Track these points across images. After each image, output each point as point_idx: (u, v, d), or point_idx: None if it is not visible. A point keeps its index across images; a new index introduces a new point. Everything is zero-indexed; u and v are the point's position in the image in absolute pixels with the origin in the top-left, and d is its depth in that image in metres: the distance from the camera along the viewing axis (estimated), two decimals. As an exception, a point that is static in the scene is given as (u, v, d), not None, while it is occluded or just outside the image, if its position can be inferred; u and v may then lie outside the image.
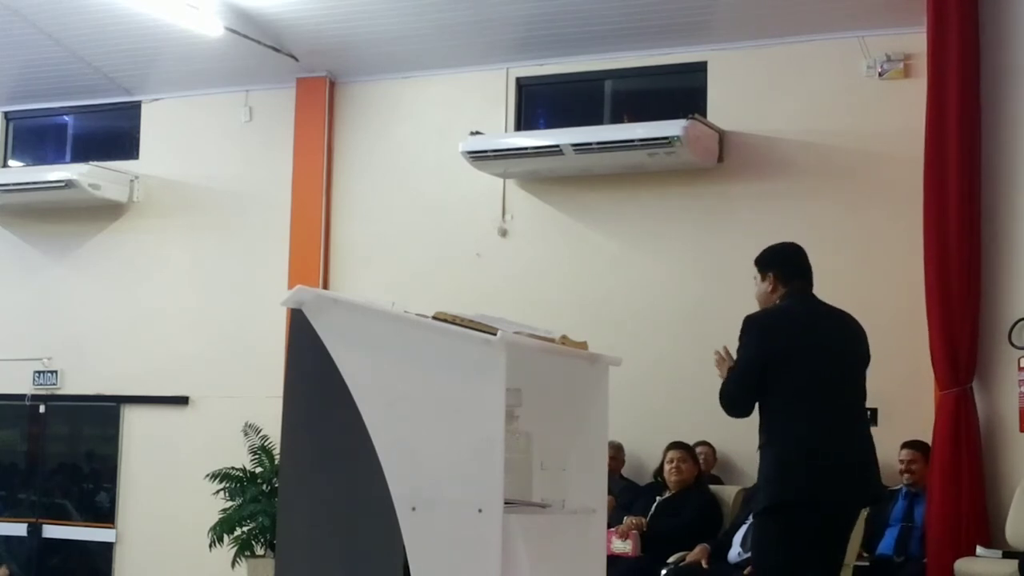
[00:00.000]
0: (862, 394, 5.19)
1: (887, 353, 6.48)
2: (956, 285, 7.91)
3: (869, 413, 5.45)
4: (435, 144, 10.00)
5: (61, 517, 11.39)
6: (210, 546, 9.31)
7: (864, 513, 6.88)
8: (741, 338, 5.13)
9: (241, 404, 10.08)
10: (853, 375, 5.17)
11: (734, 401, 5.10)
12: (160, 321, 10.86)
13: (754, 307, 8.65)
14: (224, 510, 9.38)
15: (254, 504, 9.22)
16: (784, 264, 5.30)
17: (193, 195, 10.94)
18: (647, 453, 8.88)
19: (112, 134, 11.67)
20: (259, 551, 9.24)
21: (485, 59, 9.86)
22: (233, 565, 9.32)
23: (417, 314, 4.02)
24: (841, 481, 4.99)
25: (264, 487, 9.32)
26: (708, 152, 9.07)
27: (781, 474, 4.98)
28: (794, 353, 5.04)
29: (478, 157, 9.42)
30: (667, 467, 8.18)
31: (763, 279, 5.31)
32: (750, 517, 7.41)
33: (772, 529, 5.00)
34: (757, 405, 5.11)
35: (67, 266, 11.38)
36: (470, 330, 3.87)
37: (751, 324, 5.17)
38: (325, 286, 10.13)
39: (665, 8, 9.08)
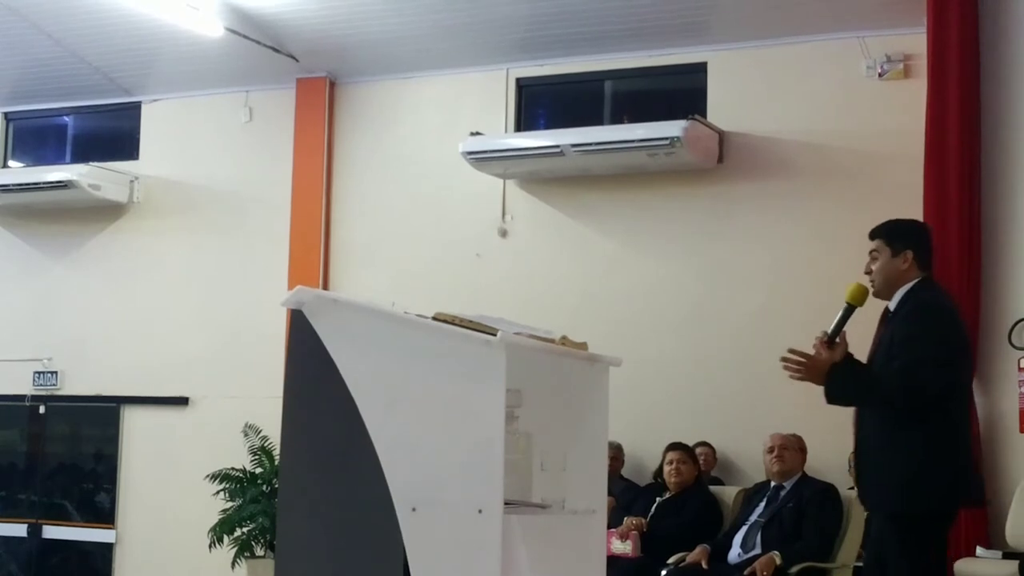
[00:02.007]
0: None
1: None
2: (956, 285, 7.91)
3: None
4: (435, 144, 10.00)
5: (61, 517, 11.39)
6: (210, 547, 9.31)
7: (865, 513, 6.89)
8: (932, 319, 4.77)
9: (241, 404, 10.08)
10: None
11: (928, 384, 4.63)
12: (160, 321, 10.86)
13: (754, 307, 8.72)
14: (224, 511, 9.38)
15: (254, 505, 9.22)
16: (924, 245, 4.96)
17: (193, 195, 10.94)
18: (647, 453, 8.88)
19: (112, 134, 11.67)
20: (259, 552, 9.24)
21: (485, 59, 9.86)
22: (233, 566, 9.32)
23: (417, 314, 4.02)
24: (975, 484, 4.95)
25: (264, 487, 9.31)
26: (708, 152, 9.07)
27: (960, 470, 4.73)
28: (969, 348, 4.95)
29: (478, 157, 9.42)
30: (667, 468, 8.18)
31: (895, 255, 4.90)
32: (751, 517, 7.42)
33: (928, 533, 4.72)
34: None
35: (67, 266, 11.38)
36: (470, 330, 3.88)
37: (951, 314, 4.87)
38: (325, 286, 10.13)
39: (665, 8, 9.08)
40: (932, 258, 4.99)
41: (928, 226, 5.08)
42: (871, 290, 4.93)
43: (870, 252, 5.00)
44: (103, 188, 10.81)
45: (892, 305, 4.93)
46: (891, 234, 4.96)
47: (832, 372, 4.78)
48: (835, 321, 4.84)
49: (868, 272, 5.00)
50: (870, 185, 8.74)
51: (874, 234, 5.01)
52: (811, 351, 4.87)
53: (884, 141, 8.75)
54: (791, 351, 4.83)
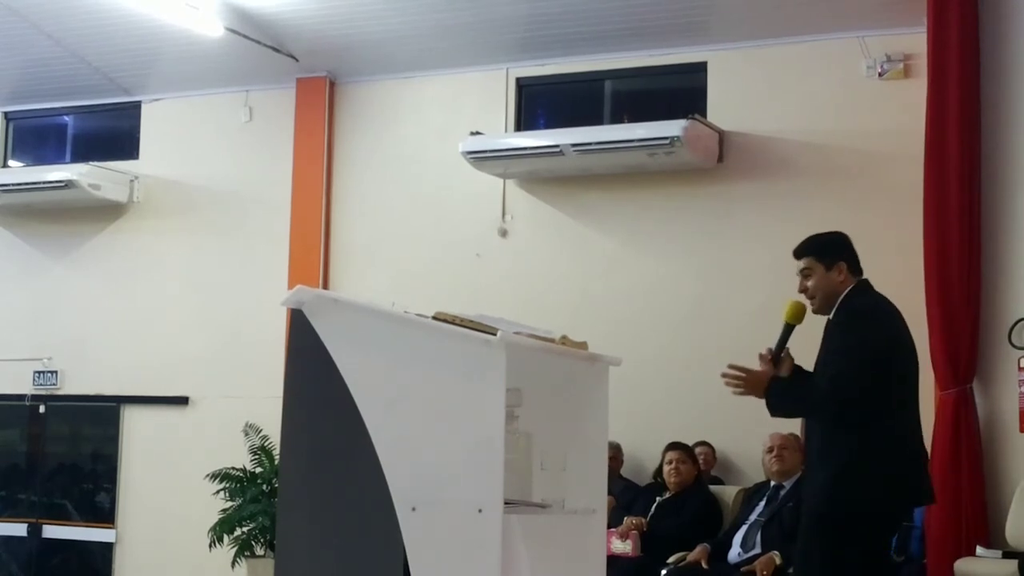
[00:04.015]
0: None
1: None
2: (956, 285, 7.91)
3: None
4: (435, 144, 10.00)
5: (61, 517, 11.39)
6: (210, 546, 9.32)
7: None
8: (856, 327, 4.84)
9: (241, 404, 10.08)
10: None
11: (855, 394, 4.73)
12: (160, 321, 10.86)
13: (754, 307, 8.71)
14: (224, 510, 9.38)
15: (254, 504, 9.22)
16: (851, 252, 5.07)
17: (193, 195, 10.94)
18: (646, 453, 8.88)
19: (112, 134, 11.67)
20: (259, 551, 9.24)
21: (485, 59, 9.86)
22: (233, 565, 9.33)
23: (417, 314, 4.02)
24: (927, 483, 4.97)
25: (264, 487, 9.32)
26: (708, 152, 9.07)
27: (890, 474, 4.78)
28: (904, 348, 4.92)
29: (478, 157, 9.42)
30: (666, 468, 8.19)
31: (829, 269, 4.99)
32: (751, 516, 7.43)
33: (850, 534, 4.76)
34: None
35: (67, 266, 11.38)
36: (470, 330, 3.88)
37: (876, 314, 4.91)
38: (325, 286, 10.13)
39: (665, 8, 9.08)
40: (859, 262, 5.08)
41: (844, 234, 5.17)
42: (809, 307, 5.06)
43: (800, 271, 5.10)
44: (103, 188, 10.81)
45: (831, 315, 5.05)
46: (820, 250, 5.06)
47: (771, 386, 4.92)
48: (777, 341, 5.01)
49: (803, 291, 5.09)
50: (870, 185, 8.74)
51: (800, 253, 5.11)
52: (790, 357, 5.03)
53: (884, 141, 8.75)
54: (731, 366, 4.97)
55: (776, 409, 5.02)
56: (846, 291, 5.00)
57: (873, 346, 4.80)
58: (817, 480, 4.91)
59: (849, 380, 4.76)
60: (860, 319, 4.89)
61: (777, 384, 4.94)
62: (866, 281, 5.06)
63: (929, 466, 5.17)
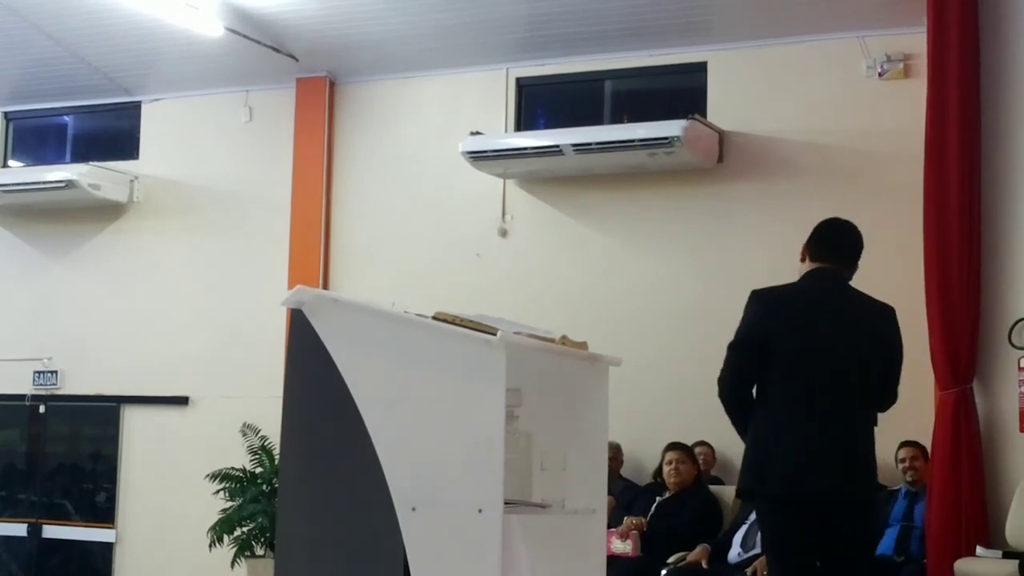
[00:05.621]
0: (868, 388, 4.85)
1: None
2: (956, 285, 7.90)
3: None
4: (435, 144, 10.00)
5: (61, 517, 11.39)
6: (210, 546, 9.32)
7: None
8: (745, 310, 4.92)
9: (241, 404, 10.08)
10: (857, 365, 4.83)
11: (723, 380, 4.90)
12: (160, 321, 10.87)
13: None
14: (224, 510, 9.38)
15: (254, 504, 9.23)
16: (817, 237, 5.04)
17: (193, 195, 10.94)
18: (646, 453, 8.88)
19: (112, 134, 11.67)
20: (259, 551, 9.24)
21: (485, 59, 9.86)
22: (233, 565, 9.33)
23: (417, 314, 4.02)
24: (817, 475, 4.78)
25: (264, 487, 9.32)
26: (708, 152, 9.08)
27: (752, 462, 4.96)
28: (790, 332, 4.80)
29: (478, 157, 9.42)
30: (666, 468, 8.19)
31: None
32: (751, 516, 7.44)
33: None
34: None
35: (67, 266, 11.38)
36: (470, 330, 3.88)
37: (753, 297, 4.98)
38: (325, 286, 10.13)
39: (665, 8, 9.08)
40: (829, 249, 5.04)
41: (839, 221, 5.18)
42: None
43: None
44: (103, 188, 10.82)
45: None
46: None
47: None
48: None
49: None
50: (870, 185, 8.74)
51: None
52: None
53: (884, 141, 8.76)
54: None
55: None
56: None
57: (743, 325, 4.92)
58: None
59: (725, 364, 4.92)
60: (749, 299, 4.99)
61: None
62: (818, 269, 4.99)
63: (838, 461, 4.85)
